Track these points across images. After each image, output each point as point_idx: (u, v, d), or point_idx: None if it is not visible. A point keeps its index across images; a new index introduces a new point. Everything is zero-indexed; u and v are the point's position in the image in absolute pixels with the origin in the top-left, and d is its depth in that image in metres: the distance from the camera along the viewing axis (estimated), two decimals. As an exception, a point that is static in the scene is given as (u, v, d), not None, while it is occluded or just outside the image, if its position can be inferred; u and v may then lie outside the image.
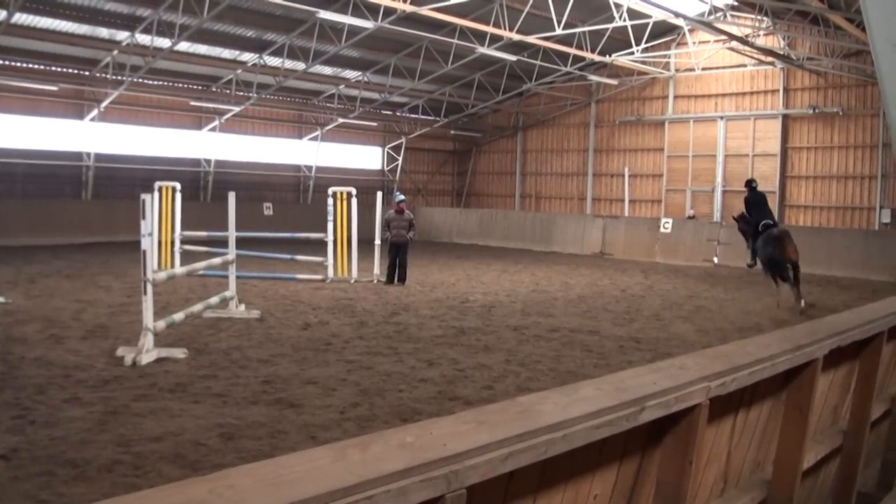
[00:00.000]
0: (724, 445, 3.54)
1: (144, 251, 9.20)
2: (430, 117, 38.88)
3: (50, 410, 7.24)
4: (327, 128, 36.88)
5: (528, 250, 29.81)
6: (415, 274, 19.38)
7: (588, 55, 29.62)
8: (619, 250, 27.10)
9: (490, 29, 26.08)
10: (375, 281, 17.86)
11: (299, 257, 18.91)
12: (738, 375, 3.14)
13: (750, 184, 17.18)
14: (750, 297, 17.30)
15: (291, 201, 36.83)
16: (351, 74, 33.73)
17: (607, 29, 27.09)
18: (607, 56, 30.35)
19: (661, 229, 27.19)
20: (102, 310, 13.25)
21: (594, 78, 34.24)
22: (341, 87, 34.62)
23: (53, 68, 28.37)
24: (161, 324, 9.76)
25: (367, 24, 24.86)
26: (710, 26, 25.84)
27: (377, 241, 18.46)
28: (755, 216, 16.49)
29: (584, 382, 2.80)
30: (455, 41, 27.75)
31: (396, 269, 17.88)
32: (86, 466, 5.82)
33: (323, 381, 8.53)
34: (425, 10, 23.59)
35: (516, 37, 26.41)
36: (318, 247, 18.85)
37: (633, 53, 30.11)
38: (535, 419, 2.26)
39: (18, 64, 27.44)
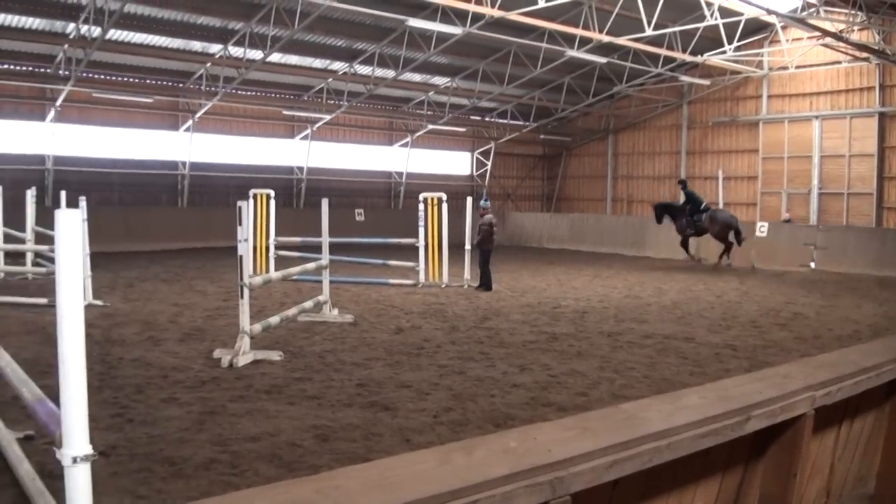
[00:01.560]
0: (828, 458, 3.40)
1: (241, 256, 9.39)
2: (519, 122, 38.77)
3: (148, 409, 7.45)
4: (417, 134, 37.12)
5: (620, 255, 29.41)
6: (505, 279, 19.32)
7: (679, 55, 29.11)
8: (714, 255, 26.44)
9: (579, 31, 25.86)
10: (466, 286, 17.86)
11: (391, 262, 19.05)
12: (843, 385, 3.02)
13: (684, 182, 27.11)
14: (848, 303, 16.70)
15: (382, 207, 37.17)
16: (440, 81, 33.91)
17: (698, 28, 26.56)
18: (699, 56, 29.77)
19: (757, 233, 26.47)
20: (199, 313, 13.61)
21: (686, 79, 33.59)
22: (430, 93, 34.83)
23: (149, 81, 29.34)
24: (257, 327, 9.95)
25: (456, 31, 24.95)
26: (802, 22, 25.06)
27: (467, 246, 18.46)
28: (694, 204, 25.17)
29: (688, 390, 2.73)
30: (544, 45, 27.61)
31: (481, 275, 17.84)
32: (183, 464, 5.96)
33: (416, 384, 8.56)
34: (513, 15, 23.55)
35: (606, 38, 26.13)
36: (410, 252, 18.95)
37: (724, 52, 29.38)
38: (639, 427, 2.22)
39: (115, 78, 28.45)
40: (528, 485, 1.80)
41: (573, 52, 27.58)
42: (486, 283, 17.60)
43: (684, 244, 25.70)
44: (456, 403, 7.82)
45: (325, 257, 13.08)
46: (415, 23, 24.39)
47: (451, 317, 13.71)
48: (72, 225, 3.33)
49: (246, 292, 9.50)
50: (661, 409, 2.39)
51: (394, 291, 17.14)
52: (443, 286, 17.83)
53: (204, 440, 6.52)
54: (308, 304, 12.31)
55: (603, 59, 29.70)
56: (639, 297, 17.20)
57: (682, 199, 26.79)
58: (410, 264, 18.36)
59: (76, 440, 3.39)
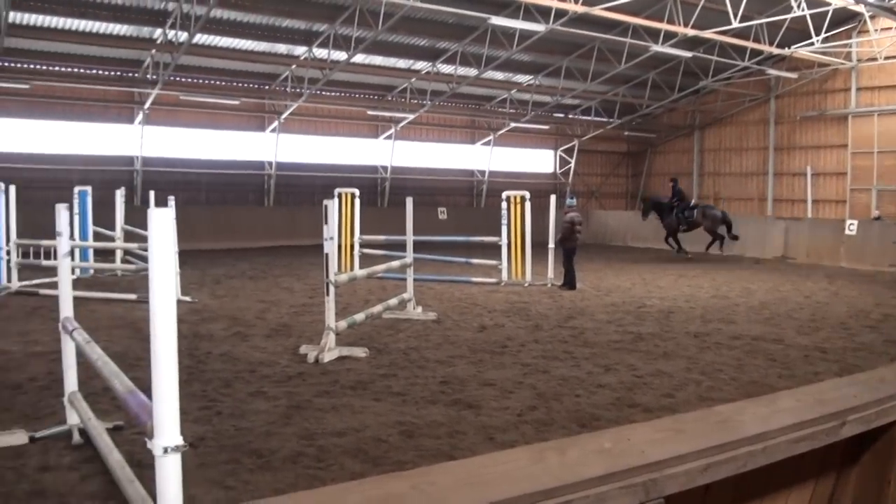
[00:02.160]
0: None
1: (327, 254, 9.50)
2: (603, 119, 38.36)
3: (236, 403, 7.61)
4: (500, 132, 37.07)
5: (707, 254, 28.83)
6: (589, 278, 19.13)
7: (766, 48, 28.37)
8: (802, 254, 25.76)
9: (664, 25, 25.48)
10: (549, 284, 17.75)
11: (474, 261, 19.07)
12: (939, 390, 2.88)
13: (675, 180, 28.27)
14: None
15: (465, 206, 37.26)
16: (523, 78, 33.78)
17: (785, 20, 25.88)
18: (786, 48, 28.98)
19: (846, 231, 25.62)
20: (285, 309, 13.85)
21: (773, 72, 32.69)
22: (513, 91, 34.74)
23: (235, 84, 30.07)
24: (343, 324, 10.05)
25: (539, 28, 24.82)
26: (891, 12, 24.18)
27: (551, 245, 18.34)
28: (682, 201, 26.68)
29: (783, 393, 2.65)
30: (628, 40, 27.25)
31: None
32: (270, 457, 6.05)
33: (500, 383, 8.53)
34: (597, 10, 23.32)
35: (691, 32, 25.67)
36: (492, 250, 18.92)
37: (812, 44, 28.53)
38: (734, 430, 2.16)
39: (202, 81, 29.22)
40: (623, 486, 1.77)
41: (658, 47, 27.16)
42: (569, 282, 17.46)
43: (671, 238, 27.11)
44: (540, 402, 7.77)
45: (410, 255, 13.16)
46: (497, 21, 24.34)
47: (534, 315, 13.64)
48: (164, 223, 3.42)
49: (332, 289, 9.62)
50: (756, 413, 2.32)
51: (477, 290, 17.14)
52: (526, 285, 17.75)
53: (290, 434, 6.61)
54: (392, 301, 12.41)
55: (688, 54, 29.17)
56: (726, 297, 16.83)
57: (669, 195, 27.65)
58: (493, 263, 18.34)
59: (167, 431, 3.48)
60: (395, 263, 13.20)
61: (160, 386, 3.47)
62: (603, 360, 9.98)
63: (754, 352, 10.77)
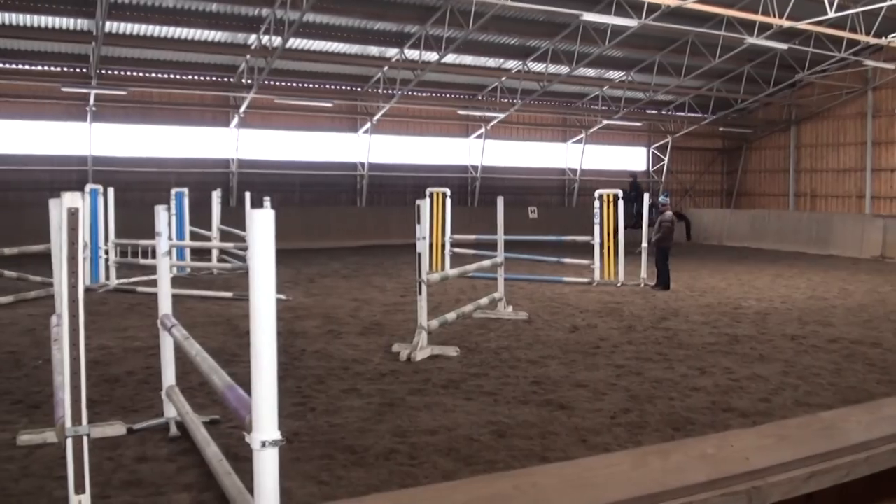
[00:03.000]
0: None
1: (419, 254, 9.57)
2: (696, 114, 37.49)
3: (329, 399, 7.73)
4: (592, 130, 36.69)
5: (804, 253, 27.97)
6: (683, 278, 18.77)
7: (863, 38, 27.16)
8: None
9: (758, 17, 24.74)
10: (642, 285, 17.48)
11: (565, 260, 18.93)
12: None
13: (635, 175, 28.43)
14: None
15: (556, 205, 36.99)
16: (615, 75, 33.33)
17: (882, 8, 24.82)
18: (883, 38, 27.76)
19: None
20: (377, 308, 14.00)
21: (870, 62, 31.26)
22: (605, 88, 34.30)
23: (328, 86, 30.54)
24: (434, 322, 10.10)
25: (631, 23, 24.46)
26: None
27: (643, 244, 18.06)
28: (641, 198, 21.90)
29: (888, 399, 2.57)
30: (722, 33, 26.59)
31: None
32: (364, 453, 6.13)
33: (592, 384, 8.45)
34: (690, 4, 22.83)
35: (786, 23, 24.85)
36: (584, 250, 18.76)
37: (910, 33, 27.36)
38: (838, 438, 2.09)
39: (296, 84, 29.80)
40: (725, 493, 1.73)
41: (753, 39, 26.40)
42: (663, 282, 17.15)
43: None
44: (633, 405, 7.66)
45: (501, 255, 13.14)
46: (589, 17, 24.07)
47: (627, 316, 13.46)
48: (265, 224, 3.49)
49: (424, 289, 9.68)
50: (860, 420, 2.25)
51: (568, 289, 17.01)
52: (618, 285, 17.52)
53: (384, 431, 6.68)
54: (483, 300, 12.41)
55: (784, 46, 28.28)
56: (823, 298, 16.30)
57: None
58: (585, 262, 18.17)
59: (266, 426, 3.56)
60: (487, 263, 13.21)
61: (259, 382, 3.54)
62: (697, 362, 9.78)
63: (853, 356, 10.40)
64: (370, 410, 7.33)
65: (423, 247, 9.60)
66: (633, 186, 27.29)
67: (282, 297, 14.67)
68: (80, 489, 3.88)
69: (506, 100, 32.59)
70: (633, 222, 25.46)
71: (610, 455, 1.77)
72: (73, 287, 3.74)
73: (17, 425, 6.98)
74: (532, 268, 19.87)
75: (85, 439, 3.87)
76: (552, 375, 8.84)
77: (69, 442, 3.86)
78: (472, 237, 18.86)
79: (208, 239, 20.00)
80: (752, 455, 1.87)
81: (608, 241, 18.15)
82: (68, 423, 3.84)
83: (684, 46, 29.18)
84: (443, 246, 19.30)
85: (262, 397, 3.56)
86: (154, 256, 17.18)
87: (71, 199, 3.73)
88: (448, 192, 19.54)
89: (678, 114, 37.81)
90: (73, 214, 3.72)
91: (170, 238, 7.98)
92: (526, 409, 7.40)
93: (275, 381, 3.59)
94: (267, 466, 3.59)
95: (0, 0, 22.68)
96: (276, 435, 3.56)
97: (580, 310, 14.06)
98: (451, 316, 10.90)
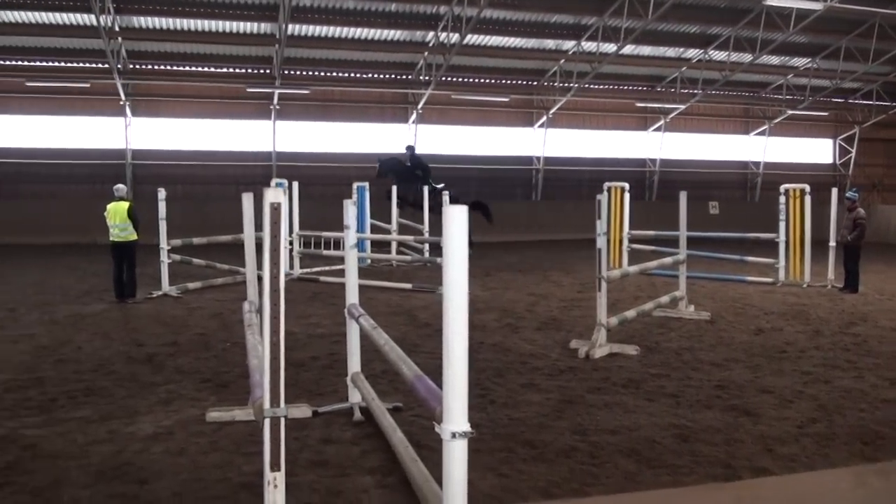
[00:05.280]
0: None
1: (600, 249, 9.44)
2: (886, 103, 35.04)
3: (508, 393, 7.76)
4: (775, 121, 35.13)
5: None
6: (871, 280, 17.60)
7: None
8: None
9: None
10: (829, 286, 16.54)
11: (748, 258, 18.19)
12: None
13: (412, 147, 24.94)
14: None
15: (737, 199, 35.71)
16: (799, 62, 31.75)
17: None
18: None
19: None
20: (554, 303, 13.95)
21: None
22: (789, 76, 32.75)
23: (504, 81, 30.75)
24: (614, 320, 9.94)
25: (816, 6, 23.27)
26: None
27: (832, 243, 17.09)
28: (426, 176, 23.03)
29: None
30: (915, 13, 24.87)
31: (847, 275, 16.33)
32: (544, 449, 6.10)
33: (778, 390, 8.06)
34: (880, -16, 21.48)
35: None
36: (767, 248, 17.97)
37: None
38: None
39: (472, 80, 30.11)
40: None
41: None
42: (852, 284, 16.14)
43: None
44: (821, 415, 7.24)
45: (683, 252, 12.78)
46: (772, 1, 23.06)
47: (814, 320, 12.76)
48: (459, 219, 3.54)
49: (604, 285, 9.54)
50: None
51: (752, 289, 16.33)
52: (804, 286, 16.66)
53: (563, 427, 6.64)
54: (664, 299, 12.10)
55: None
56: None
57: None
58: (769, 261, 17.40)
59: (456, 417, 3.63)
60: (668, 260, 12.86)
61: (451, 374, 3.60)
62: (889, 372, 9.12)
63: None
64: (549, 406, 7.30)
65: (602, 242, 9.47)
66: (418, 164, 23.70)
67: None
68: (275, 467, 4.06)
69: (686, 91, 31.69)
70: (409, 201, 22.92)
71: (828, 472, 1.68)
72: (274, 277, 3.91)
73: (206, 403, 7.43)
74: (712, 266, 19.18)
75: (282, 420, 4.04)
76: (736, 380, 8.50)
77: (267, 422, 4.03)
78: (652, 233, 18.43)
79: (388, 232, 20.55)
80: None
81: (794, 238, 17.26)
82: (267, 405, 4.02)
83: (871, 30, 27.32)
84: (621, 242, 19.00)
85: (452, 389, 3.61)
86: (335, 247, 17.99)
87: (274, 194, 3.89)
88: (626, 186, 19.22)
89: (865, 102, 35.49)
90: (275, 209, 3.88)
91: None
92: (709, 414, 7.16)
93: (465, 373, 3.65)
94: (456, 457, 3.66)
95: (192, 8, 24.18)
96: (466, 426, 3.62)
97: (764, 311, 13.46)
98: (630, 314, 10.71)
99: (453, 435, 3.61)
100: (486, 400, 7.45)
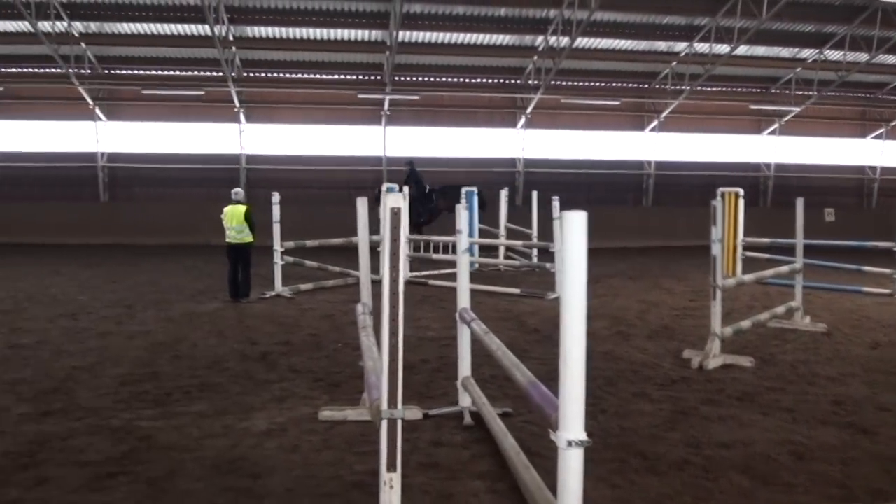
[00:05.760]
0: None
1: (714, 257, 9.23)
2: None
3: (620, 402, 7.66)
4: (892, 123, 33.70)
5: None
6: None
7: None
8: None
9: None
10: (952, 299, 15.71)
11: (865, 268, 17.48)
12: None
13: (412, 162, 24.85)
14: None
15: (853, 206, 34.41)
16: (918, 61, 30.37)
17: None
18: None
19: None
20: (666, 311, 13.73)
21: None
22: (906, 76, 31.40)
23: (614, 84, 30.44)
24: (728, 330, 9.70)
25: (935, 1, 22.28)
26: None
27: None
28: (419, 188, 23.58)
29: None
30: None
31: None
32: (656, 460, 6.00)
33: (896, 408, 7.74)
34: None
35: None
36: (885, 257, 17.25)
37: None
38: None
39: (582, 84, 29.91)
40: None
41: None
42: None
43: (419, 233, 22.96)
44: (944, 437, 6.90)
45: (799, 260, 12.38)
46: (889, -3, 22.25)
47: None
48: (578, 225, 3.52)
49: (719, 294, 9.32)
50: None
51: (869, 301, 15.68)
52: (924, 298, 15.90)
53: (676, 439, 6.52)
54: (779, 309, 11.74)
55: None
56: None
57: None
58: (888, 271, 16.68)
59: (573, 425, 3.61)
60: (784, 268, 12.46)
61: (568, 381, 3.58)
62: None
63: None
64: (662, 417, 7.18)
65: (718, 250, 9.25)
66: (409, 177, 24.18)
67: (552, 296, 14.65)
68: (391, 467, 4.14)
69: (800, 92, 30.70)
70: (423, 220, 23.90)
71: None
72: (394, 281, 3.99)
73: (319, 401, 7.59)
74: (826, 276, 18.49)
75: (399, 422, 4.10)
76: (853, 395, 8.17)
77: (384, 423, 4.10)
78: (767, 240, 17.89)
79: (496, 236, 20.60)
80: None
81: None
82: (384, 406, 4.09)
83: None
84: (735, 249, 18.51)
85: (570, 397, 3.59)
86: (444, 251, 18.14)
87: (394, 199, 3.96)
88: (741, 191, 18.72)
89: None
90: (395, 213, 3.95)
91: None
92: (825, 431, 6.91)
93: (583, 380, 3.62)
94: (572, 466, 3.64)
95: (304, 17, 24.81)
96: (583, 435, 3.60)
97: (882, 324, 12.87)
98: (745, 324, 10.43)
99: (569, 443, 3.59)
100: (597, 408, 7.38)
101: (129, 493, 5.33)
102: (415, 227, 23.53)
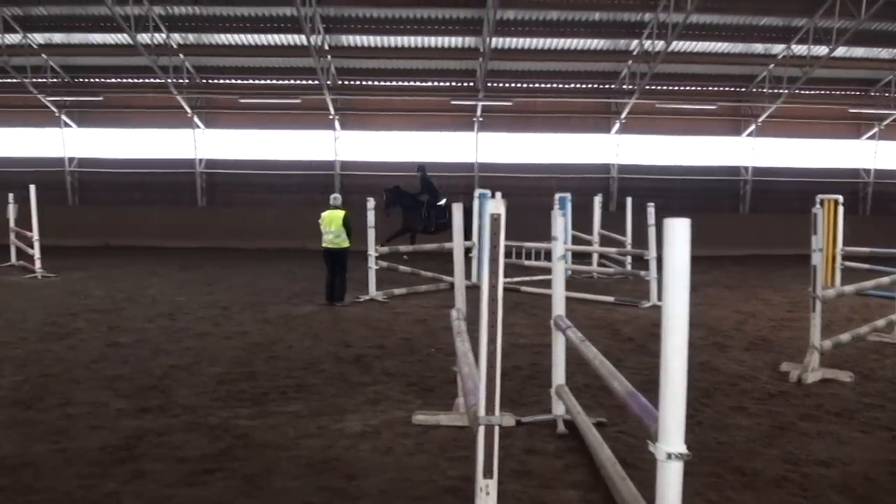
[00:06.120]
0: None
1: (814, 266, 8.98)
2: None
3: (716, 415, 7.50)
4: None
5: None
6: None
7: None
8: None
9: None
10: None
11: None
12: None
13: (423, 167, 24.47)
14: None
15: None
16: None
17: None
18: None
19: None
20: (763, 322, 13.38)
21: None
22: None
23: (710, 88, 29.82)
24: (828, 343, 9.42)
25: None
26: None
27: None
28: (433, 196, 23.52)
29: None
30: None
31: None
32: (753, 476, 5.87)
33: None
34: None
35: None
36: None
37: None
38: None
39: (677, 88, 29.43)
40: None
41: None
42: None
43: (412, 240, 23.20)
44: None
45: (906, 271, 11.93)
46: None
47: None
48: (682, 233, 3.48)
49: (818, 305, 9.07)
50: None
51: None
52: None
53: (774, 455, 6.37)
54: (880, 322, 11.32)
55: None
56: None
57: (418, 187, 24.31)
58: None
59: (672, 438, 3.57)
60: (886, 279, 12.04)
61: (669, 393, 3.56)
62: None
63: None
64: (759, 431, 7.02)
65: (818, 259, 9.00)
66: (423, 184, 24.07)
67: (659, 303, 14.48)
68: (488, 474, 4.16)
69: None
70: (431, 230, 23.49)
71: None
72: (493, 287, 4.01)
73: (412, 405, 7.67)
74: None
75: (496, 428, 4.12)
76: (958, 414, 7.86)
77: (481, 429, 4.13)
78: (867, 250, 17.31)
79: (590, 243, 20.45)
80: None
81: None
82: (481, 412, 4.11)
83: None
84: (835, 259, 17.97)
85: (670, 409, 3.56)
86: (537, 258, 18.05)
87: (495, 205, 3.98)
88: (840, 199, 18.19)
89: None
90: (496, 220, 3.97)
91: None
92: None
93: (684, 392, 3.58)
94: (671, 479, 3.60)
95: (398, 25, 25.11)
96: (683, 448, 3.55)
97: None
98: (845, 337, 10.09)
99: (669, 456, 3.55)
100: (693, 421, 7.24)
101: (225, 489, 5.49)
102: (422, 232, 23.76)
